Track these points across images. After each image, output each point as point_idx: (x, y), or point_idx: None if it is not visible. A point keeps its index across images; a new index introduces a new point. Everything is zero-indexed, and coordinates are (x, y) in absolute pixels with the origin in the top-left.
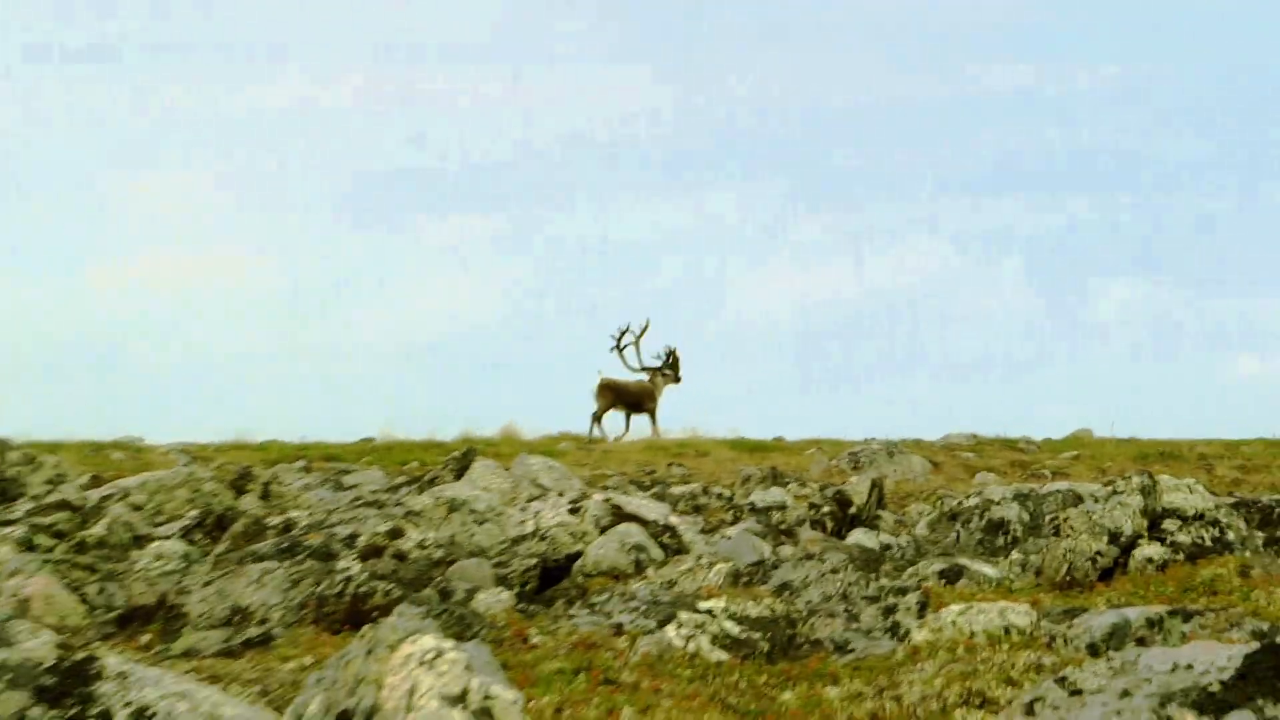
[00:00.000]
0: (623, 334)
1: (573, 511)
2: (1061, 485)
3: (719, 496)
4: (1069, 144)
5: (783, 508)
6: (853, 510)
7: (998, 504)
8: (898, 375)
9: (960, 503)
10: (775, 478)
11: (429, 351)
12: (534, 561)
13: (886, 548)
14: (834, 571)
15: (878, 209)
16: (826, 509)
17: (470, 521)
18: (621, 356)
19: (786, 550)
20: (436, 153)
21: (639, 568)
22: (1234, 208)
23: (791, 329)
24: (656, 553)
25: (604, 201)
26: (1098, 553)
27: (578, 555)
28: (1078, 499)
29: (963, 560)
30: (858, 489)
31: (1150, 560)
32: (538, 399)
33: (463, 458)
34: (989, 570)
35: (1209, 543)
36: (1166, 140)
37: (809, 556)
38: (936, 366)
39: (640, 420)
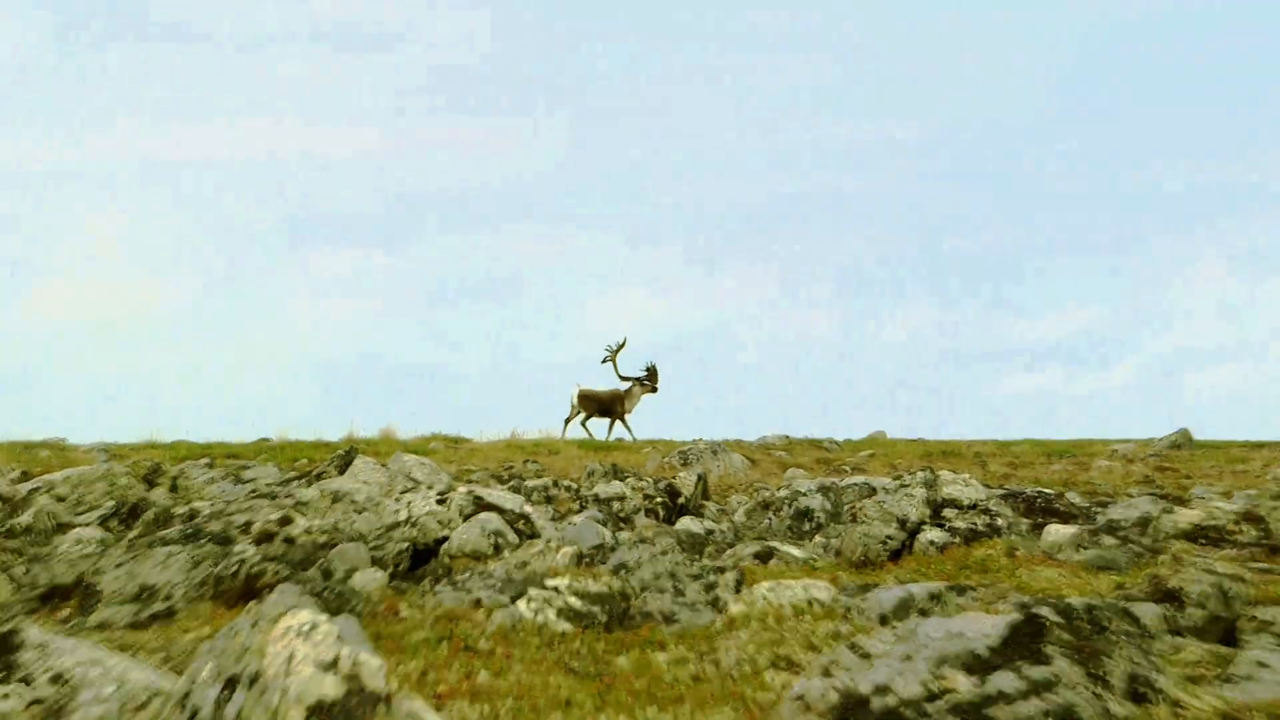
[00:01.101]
0: (616, 350)
1: (440, 502)
2: (859, 479)
3: (567, 489)
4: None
5: (622, 498)
6: (681, 500)
7: (805, 495)
8: (722, 385)
9: (773, 494)
10: (616, 472)
11: (318, 365)
12: (406, 545)
13: (710, 533)
14: (664, 553)
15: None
16: (659, 499)
17: (351, 510)
18: (616, 368)
19: (624, 535)
20: (320, 198)
21: (497, 550)
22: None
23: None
24: (512, 537)
25: (467, 238)
26: (888, 536)
27: (444, 540)
28: (872, 491)
29: (774, 543)
30: (686, 482)
31: (933, 543)
32: (412, 405)
33: (346, 456)
34: (796, 552)
35: (982, 528)
36: (952, 190)
37: (643, 540)
38: (754, 377)
39: (610, 423)
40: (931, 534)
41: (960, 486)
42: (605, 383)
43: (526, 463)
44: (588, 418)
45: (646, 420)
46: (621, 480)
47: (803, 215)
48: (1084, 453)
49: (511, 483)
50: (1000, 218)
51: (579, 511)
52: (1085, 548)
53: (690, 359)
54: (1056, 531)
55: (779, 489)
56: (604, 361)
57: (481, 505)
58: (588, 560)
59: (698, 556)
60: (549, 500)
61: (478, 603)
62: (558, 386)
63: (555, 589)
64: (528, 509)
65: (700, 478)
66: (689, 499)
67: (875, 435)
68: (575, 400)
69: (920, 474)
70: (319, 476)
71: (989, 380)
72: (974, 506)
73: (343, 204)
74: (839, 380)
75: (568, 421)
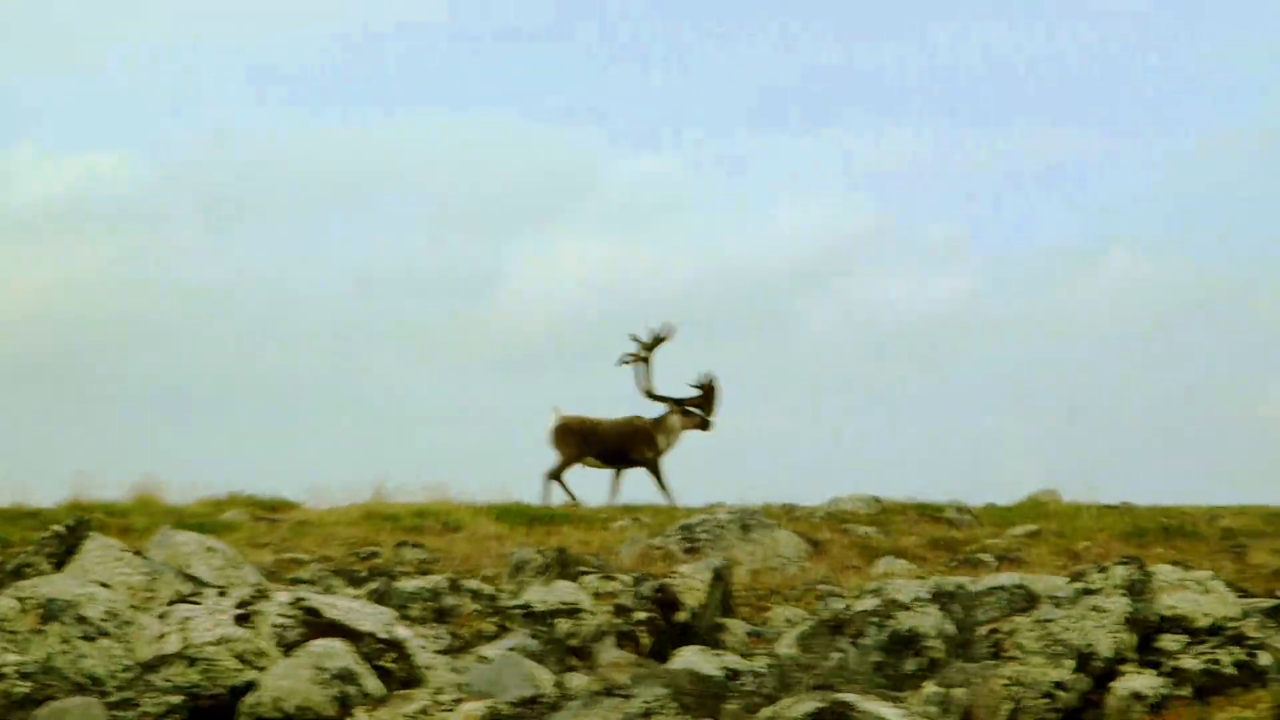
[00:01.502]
0: (653, 343)
1: (242, 620)
2: (1009, 578)
3: (476, 595)
4: None
5: (575, 613)
6: (683, 616)
7: (908, 608)
8: (764, 399)
9: (849, 606)
10: (565, 565)
11: (15, 363)
12: (179, 700)
13: (734, 675)
14: (646, 715)
15: None
16: (642, 615)
17: (76, 636)
18: (646, 378)
19: (577, 680)
20: None
21: (345, 708)
22: None
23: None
24: (373, 684)
25: None
26: (1058, 685)
27: (248, 688)
28: (1031, 600)
29: (850, 696)
30: (692, 583)
31: (1140, 697)
32: (193, 440)
33: (69, 534)
34: (890, 711)
35: (1230, 669)
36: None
37: (610, 691)
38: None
39: (642, 477)
40: (1139, 680)
41: (1193, 594)
42: (616, 404)
43: (401, 546)
44: (567, 464)
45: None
46: (574, 580)
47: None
48: None
49: (374, 583)
50: None
51: (495, 637)
52: None
53: (694, 345)
54: None
55: (860, 596)
56: (625, 362)
57: (317, 626)
58: None
59: None
60: (441, 616)
61: None
62: (480, 397)
63: None
64: (401, 632)
65: (718, 575)
66: (697, 614)
67: (1041, 496)
68: (553, 435)
69: (1118, 570)
70: (18, 573)
71: (1254, 387)
72: (1218, 631)
73: None
74: (979, 399)
75: (553, 477)
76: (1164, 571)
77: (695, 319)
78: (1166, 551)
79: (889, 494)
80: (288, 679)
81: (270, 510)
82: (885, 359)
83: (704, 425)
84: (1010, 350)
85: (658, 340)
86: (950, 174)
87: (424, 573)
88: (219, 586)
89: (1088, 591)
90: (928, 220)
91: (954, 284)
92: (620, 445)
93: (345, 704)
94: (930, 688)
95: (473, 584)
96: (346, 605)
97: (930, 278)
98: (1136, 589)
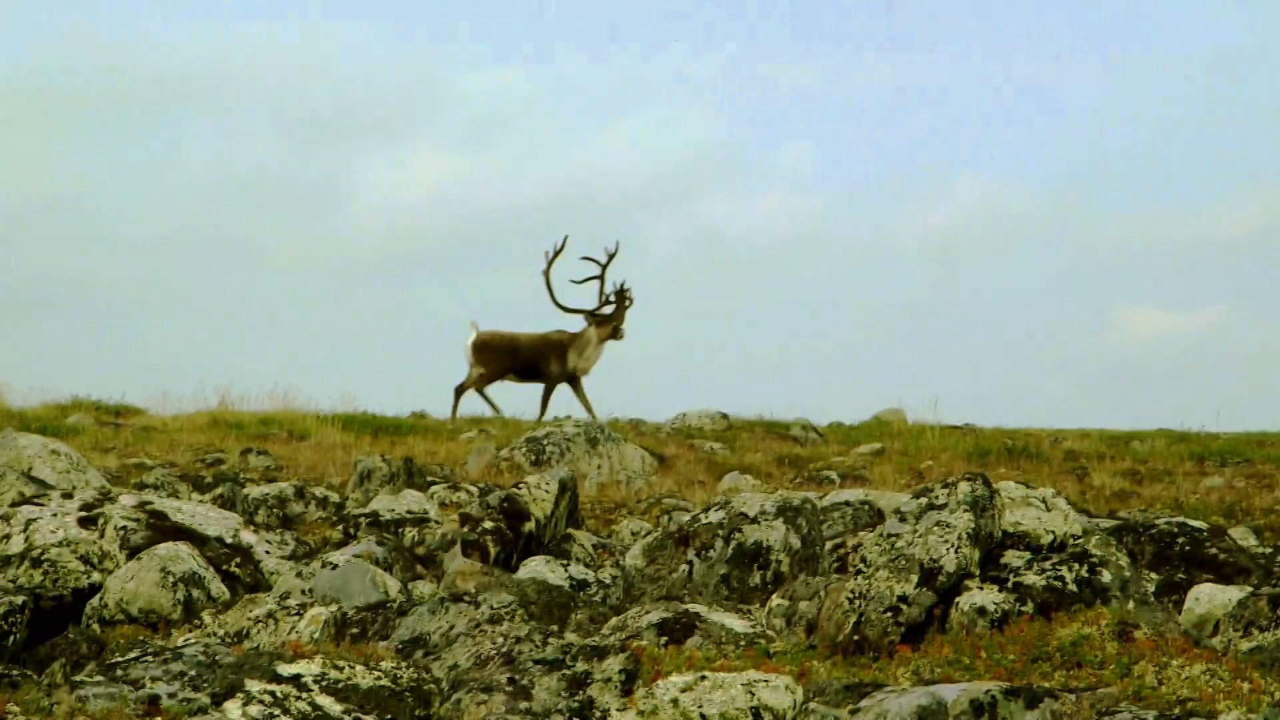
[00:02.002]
0: (608, 260)
1: (87, 523)
2: (854, 495)
3: (322, 502)
4: None
5: (422, 521)
6: (530, 527)
7: (755, 522)
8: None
9: (697, 519)
10: (412, 475)
11: None
12: (21, 600)
13: (581, 585)
14: (494, 621)
15: None
16: (489, 525)
17: None
18: (548, 286)
19: (424, 587)
20: None
21: (190, 611)
22: None
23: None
24: (218, 588)
25: None
26: (902, 599)
27: (94, 590)
28: (876, 516)
29: (696, 607)
30: (539, 494)
31: (983, 612)
32: (38, 342)
33: None
34: (736, 623)
35: (1073, 586)
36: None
37: (457, 598)
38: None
39: (545, 394)
40: (982, 596)
41: (1037, 511)
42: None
43: (247, 453)
44: (488, 382)
45: (459, 378)
46: (422, 489)
47: None
48: (1266, 456)
49: (220, 489)
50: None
51: (342, 544)
52: (1261, 628)
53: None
54: (1209, 597)
55: (708, 509)
56: (587, 280)
57: (163, 530)
58: (356, 631)
59: (558, 629)
60: (287, 523)
61: (153, 704)
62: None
63: (295, 681)
64: (247, 537)
65: (565, 487)
66: (544, 525)
67: (886, 416)
68: (470, 352)
69: (964, 487)
70: None
71: (1096, 313)
72: (1060, 548)
73: None
74: (826, 314)
75: (460, 391)
76: (1008, 489)
77: (540, 236)
78: (1010, 472)
79: (736, 411)
80: (133, 581)
81: (115, 415)
82: (732, 278)
83: (616, 334)
84: (857, 271)
85: (611, 257)
86: (802, 95)
87: (270, 480)
88: (63, 489)
89: (933, 507)
90: (778, 142)
91: (802, 205)
92: (536, 359)
93: (190, 608)
94: (776, 600)
95: (319, 492)
96: (192, 510)
97: (779, 199)
98: (981, 505)
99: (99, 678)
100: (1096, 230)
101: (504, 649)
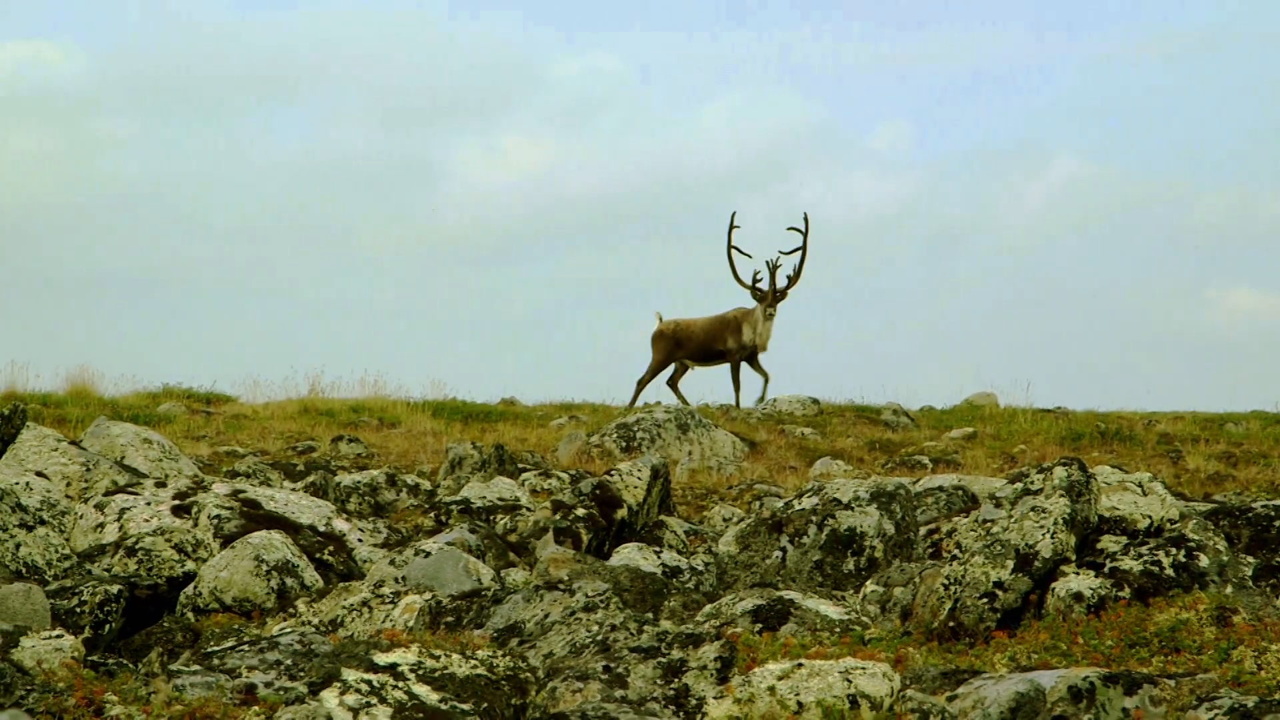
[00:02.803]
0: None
1: (180, 511)
2: (947, 480)
3: (414, 490)
4: None
5: (514, 509)
6: (622, 514)
7: (848, 508)
8: (706, 290)
9: (790, 505)
10: (503, 462)
11: None
12: (117, 589)
13: (674, 573)
14: (589, 609)
15: None
16: (581, 512)
17: (14, 525)
18: (730, 261)
19: (517, 575)
20: None
21: (284, 599)
22: None
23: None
24: (312, 576)
25: None
26: (998, 585)
27: (188, 579)
28: (970, 501)
29: (791, 594)
30: (631, 481)
31: (1079, 598)
32: (129, 330)
33: (4, 423)
34: (831, 610)
35: (1170, 571)
36: None
37: (551, 585)
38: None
39: (733, 375)
40: (1078, 581)
41: (1132, 496)
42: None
43: (338, 441)
44: (657, 371)
45: (551, 371)
46: (513, 476)
47: None
48: None
49: (312, 477)
50: None
51: (434, 532)
52: None
53: (631, 243)
54: None
55: (800, 495)
56: (794, 251)
57: (256, 518)
58: (450, 620)
59: (652, 616)
60: (379, 510)
61: (250, 693)
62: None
63: (392, 670)
64: (340, 525)
65: (657, 473)
66: (636, 512)
67: (977, 400)
68: (654, 340)
69: (1058, 471)
70: None
71: (1191, 292)
72: (1157, 533)
73: None
74: (917, 296)
75: (641, 383)
76: (1104, 473)
77: (631, 221)
78: (1103, 456)
79: (827, 396)
80: (227, 570)
81: (206, 403)
82: (824, 259)
83: (770, 308)
84: (949, 252)
85: (808, 227)
86: (895, 75)
87: (361, 468)
88: (156, 478)
89: (1028, 492)
90: (871, 122)
91: (894, 185)
92: (711, 340)
93: (284, 596)
94: (870, 586)
95: (410, 479)
96: (285, 498)
97: (871, 180)
98: (1076, 490)
99: (195, 667)
100: (1192, 209)
101: (599, 637)
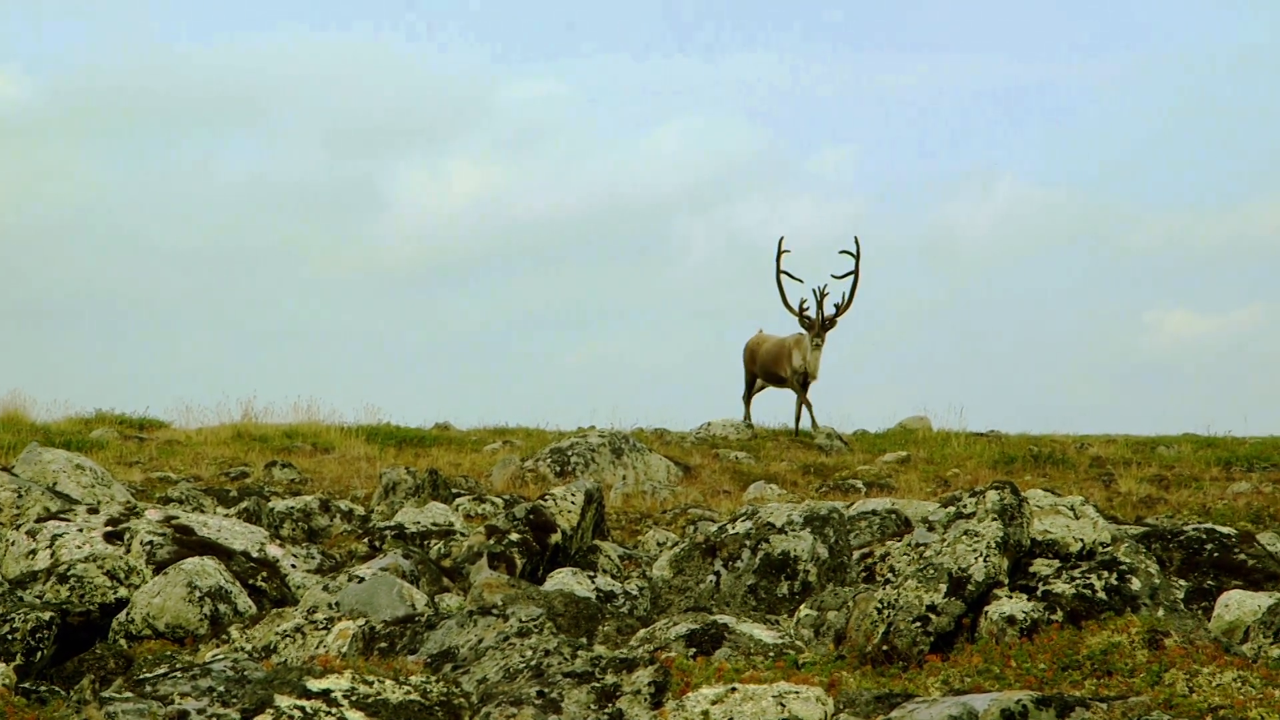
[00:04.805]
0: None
1: (113, 537)
2: (881, 503)
3: (348, 515)
4: None
5: (448, 534)
6: (556, 539)
7: (782, 532)
8: (642, 316)
9: (724, 529)
10: (437, 487)
11: None
12: (48, 616)
13: (608, 597)
14: (523, 635)
15: None
16: (515, 537)
17: None
18: (780, 286)
19: (451, 600)
20: None
21: (217, 626)
22: None
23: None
24: (245, 603)
25: None
26: (931, 609)
27: (121, 606)
28: (904, 525)
29: (725, 618)
30: (565, 506)
31: (1012, 621)
32: (62, 355)
33: None
34: (765, 634)
35: (1102, 594)
36: None
37: (485, 611)
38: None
39: (799, 401)
40: (1011, 604)
41: (1065, 519)
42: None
43: (272, 466)
44: (747, 387)
45: (487, 396)
46: (447, 501)
47: None
48: None
49: (245, 503)
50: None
51: (369, 557)
52: None
53: (575, 268)
54: (1238, 603)
55: (734, 519)
56: (846, 276)
57: (189, 544)
58: (384, 645)
59: (586, 641)
60: (313, 536)
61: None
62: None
63: (325, 696)
64: (273, 551)
65: (591, 498)
66: (570, 536)
67: (912, 423)
68: (744, 354)
69: (992, 495)
70: None
71: (1128, 316)
72: (1089, 556)
73: None
74: (853, 319)
75: (749, 399)
76: (1036, 497)
77: (574, 245)
78: (1036, 479)
79: (761, 420)
80: (159, 597)
81: (139, 429)
82: (765, 283)
83: (818, 337)
84: (887, 277)
85: (859, 251)
86: (837, 101)
87: (295, 493)
88: (89, 504)
89: (961, 515)
90: (814, 147)
91: (837, 209)
92: (771, 363)
93: (217, 622)
94: (804, 610)
95: (344, 505)
96: (218, 524)
97: (812, 205)
98: (1009, 514)
99: (127, 694)
100: (1130, 232)
101: (533, 662)
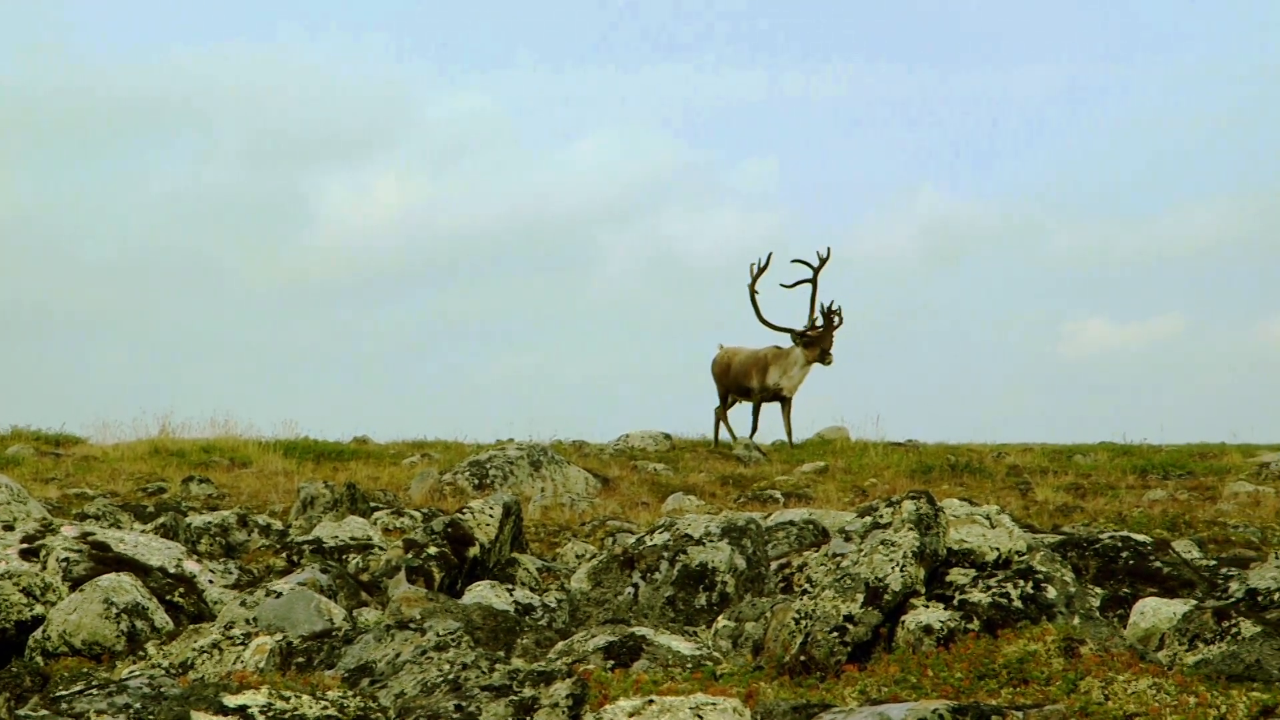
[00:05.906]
0: (820, 265)
1: (28, 555)
2: (798, 514)
3: (265, 530)
4: None
5: (366, 548)
6: (474, 552)
7: (699, 543)
8: (561, 330)
9: (642, 541)
10: (355, 501)
11: None
12: None
13: (527, 610)
14: (441, 648)
15: None
16: (433, 550)
17: None
18: (754, 303)
19: (369, 614)
20: None
21: (134, 642)
22: None
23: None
24: (162, 619)
25: None
26: (848, 619)
27: (37, 623)
28: (821, 535)
29: (643, 630)
30: (483, 519)
31: (929, 630)
32: None
33: None
34: (683, 646)
35: (1018, 603)
36: None
37: (403, 625)
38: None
39: (754, 411)
40: (928, 614)
41: (981, 528)
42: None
43: (189, 481)
44: (720, 401)
45: (406, 409)
46: (365, 515)
47: None
48: (1208, 469)
49: (162, 518)
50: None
51: (287, 572)
52: (1206, 641)
53: (496, 280)
54: (1154, 611)
55: (652, 531)
56: (796, 284)
57: (105, 560)
58: (302, 660)
59: (504, 654)
60: (230, 551)
61: None
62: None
63: (241, 713)
64: (191, 567)
65: (509, 511)
66: (489, 549)
67: (828, 434)
68: (714, 370)
69: (909, 505)
70: None
71: (1048, 326)
72: (1005, 565)
73: None
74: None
75: (720, 417)
76: (952, 506)
77: (496, 258)
78: (953, 488)
79: (679, 431)
80: (76, 613)
81: (55, 445)
82: (686, 295)
83: (824, 358)
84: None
85: (823, 262)
86: (760, 112)
87: (212, 508)
88: (4, 521)
89: (878, 526)
90: (737, 159)
91: (759, 221)
92: (741, 375)
93: (134, 638)
94: (722, 622)
95: (262, 519)
96: (135, 540)
97: (735, 216)
98: (925, 523)
99: (43, 711)
100: (1048, 242)
101: (450, 676)
